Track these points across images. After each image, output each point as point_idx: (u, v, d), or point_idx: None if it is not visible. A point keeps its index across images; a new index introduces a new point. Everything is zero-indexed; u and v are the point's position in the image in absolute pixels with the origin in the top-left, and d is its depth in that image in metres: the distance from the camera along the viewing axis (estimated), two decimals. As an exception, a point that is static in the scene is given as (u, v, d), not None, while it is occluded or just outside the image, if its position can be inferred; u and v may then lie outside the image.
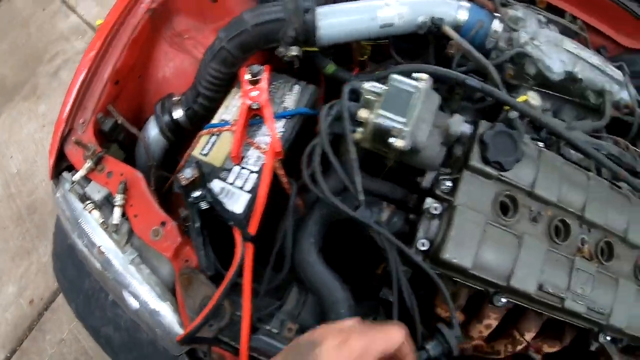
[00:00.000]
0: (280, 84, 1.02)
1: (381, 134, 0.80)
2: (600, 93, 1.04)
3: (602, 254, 0.89)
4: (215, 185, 0.91)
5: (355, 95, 0.85)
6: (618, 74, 1.08)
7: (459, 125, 0.81)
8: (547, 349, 0.97)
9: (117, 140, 1.12)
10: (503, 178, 0.85)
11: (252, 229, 0.86)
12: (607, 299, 0.87)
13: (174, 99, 1.10)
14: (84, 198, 0.98)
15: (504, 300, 0.81)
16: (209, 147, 0.96)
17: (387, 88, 0.81)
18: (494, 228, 0.82)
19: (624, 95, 1.07)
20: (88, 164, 0.98)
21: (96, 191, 0.98)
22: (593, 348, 0.88)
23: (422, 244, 0.81)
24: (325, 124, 0.84)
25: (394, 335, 0.55)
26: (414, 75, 0.83)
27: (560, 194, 0.87)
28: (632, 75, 1.11)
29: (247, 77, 0.98)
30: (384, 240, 0.81)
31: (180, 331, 0.86)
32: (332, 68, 1.07)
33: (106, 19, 1.11)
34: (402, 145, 0.76)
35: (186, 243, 0.88)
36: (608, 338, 0.88)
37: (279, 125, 0.96)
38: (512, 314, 0.90)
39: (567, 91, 1.06)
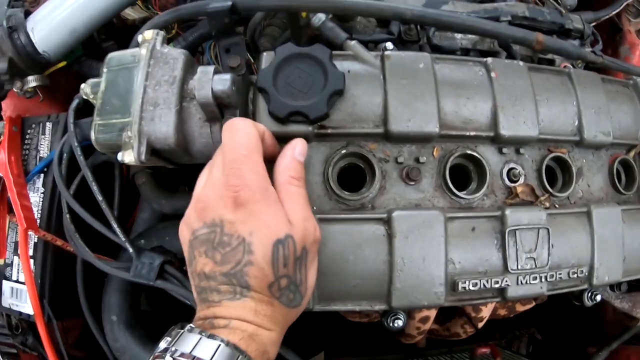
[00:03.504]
0: (34, 129, 0.76)
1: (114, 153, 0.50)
2: None
3: (552, 181, 0.55)
4: (6, 288, 0.73)
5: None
6: None
7: (206, 86, 0.47)
8: (521, 307, 0.70)
9: None
10: (327, 131, 0.51)
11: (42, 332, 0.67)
12: (580, 250, 0.54)
13: None
14: None
15: (399, 322, 0.52)
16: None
17: (104, 77, 0.51)
18: (339, 224, 0.50)
19: None
20: None
21: None
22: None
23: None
24: (57, 169, 0.60)
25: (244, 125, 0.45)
26: (139, 37, 0.52)
27: (442, 114, 0.52)
28: None
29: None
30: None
31: None
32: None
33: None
34: (132, 160, 0.47)
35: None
36: (598, 298, 0.56)
37: (38, 186, 0.72)
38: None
39: None
